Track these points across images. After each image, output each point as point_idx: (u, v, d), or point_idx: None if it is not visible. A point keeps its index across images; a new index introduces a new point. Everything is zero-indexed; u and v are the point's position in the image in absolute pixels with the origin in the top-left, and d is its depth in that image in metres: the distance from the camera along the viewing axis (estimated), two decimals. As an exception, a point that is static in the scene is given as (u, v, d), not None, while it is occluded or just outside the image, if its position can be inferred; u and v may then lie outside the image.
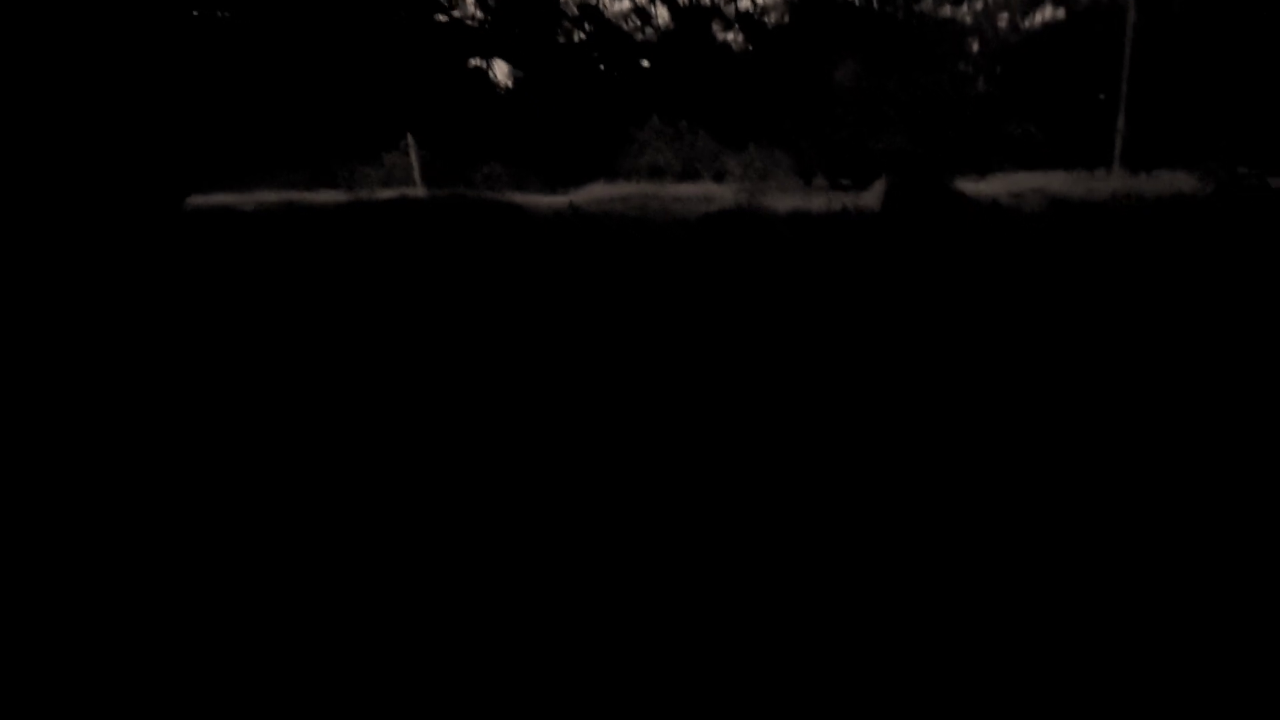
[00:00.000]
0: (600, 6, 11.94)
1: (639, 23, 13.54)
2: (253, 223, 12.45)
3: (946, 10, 31.82)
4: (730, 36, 16.60)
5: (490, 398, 3.37)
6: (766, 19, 16.23)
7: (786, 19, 15.92)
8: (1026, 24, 31.95)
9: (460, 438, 2.90)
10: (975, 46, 31.88)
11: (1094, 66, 26.57)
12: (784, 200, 15.70)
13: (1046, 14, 32.37)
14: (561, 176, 28.52)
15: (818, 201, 15.17)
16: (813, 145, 31.33)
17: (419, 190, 24.92)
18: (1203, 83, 24.37)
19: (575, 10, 12.24)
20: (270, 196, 25.00)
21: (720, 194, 20.14)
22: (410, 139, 27.23)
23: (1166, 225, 7.44)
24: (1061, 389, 3.17)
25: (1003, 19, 33.24)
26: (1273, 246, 6.29)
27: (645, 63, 14.15)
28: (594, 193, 23.97)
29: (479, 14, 12.18)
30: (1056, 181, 16.81)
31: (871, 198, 15.60)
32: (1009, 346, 3.87)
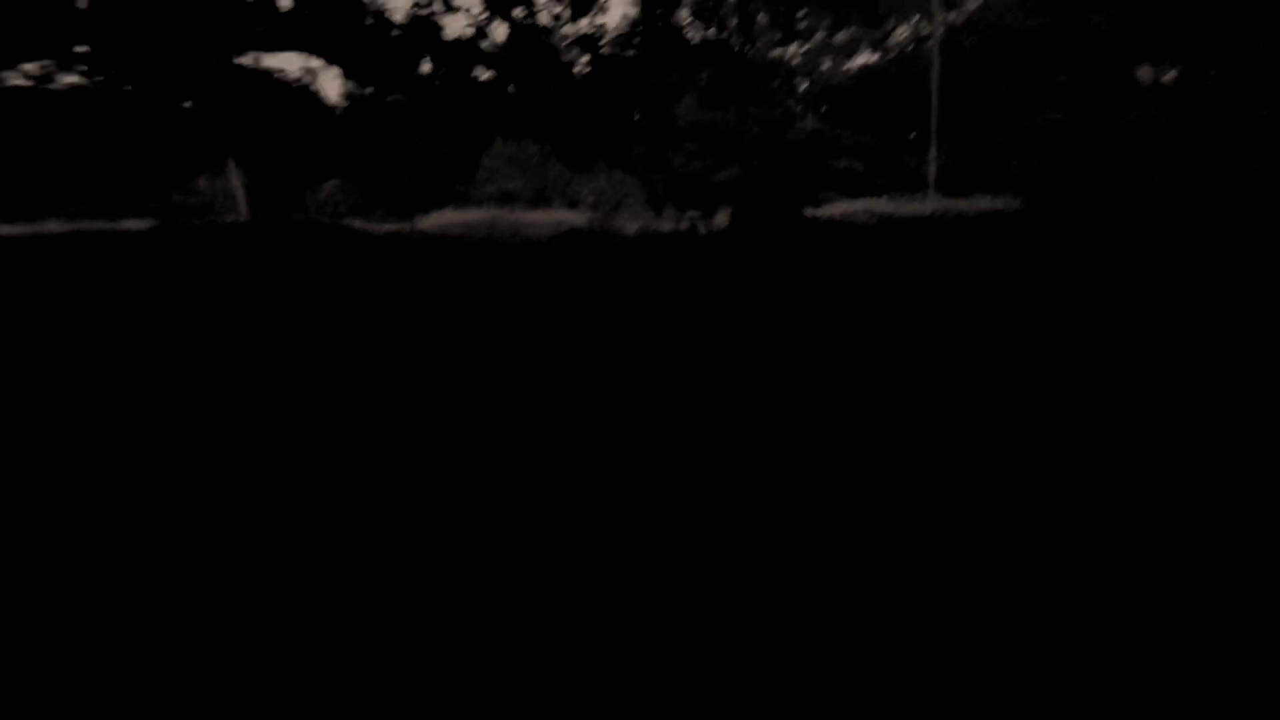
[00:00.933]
0: (432, 17, 11.12)
1: (477, 37, 12.81)
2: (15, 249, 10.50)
3: (777, 51, 34.02)
4: (574, 59, 16.42)
5: (297, 420, 2.67)
6: (609, 47, 16.23)
7: (629, 46, 16.03)
8: (846, 67, 34.83)
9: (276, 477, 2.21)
10: (804, 86, 34.27)
11: (908, 105, 29.34)
12: (635, 225, 15.72)
13: (863, 58, 35.51)
14: (408, 203, 27.09)
15: (668, 225, 15.29)
16: (663, 177, 32.17)
17: (243, 219, 22.58)
18: (998, 120, 27.61)
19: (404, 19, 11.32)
20: (58, 227, 21.67)
21: (573, 219, 19.88)
22: (232, 164, 24.74)
23: (988, 231, 8.00)
24: (911, 368, 2.99)
25: (826, 61, 36.07)
26: (1076, 244, 6.87)
27: (486, 78, 13.50)
28: (443, 219, 22.89)
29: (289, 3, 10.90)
30: (882, 206, 18.06)
31: (720, 221, 15.98)
32: (862, 332, 3.73)
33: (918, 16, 36.43)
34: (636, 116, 22.12)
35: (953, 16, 33.39)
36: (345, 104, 17.33)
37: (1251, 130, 28.11)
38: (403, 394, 3.00)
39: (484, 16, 11.02)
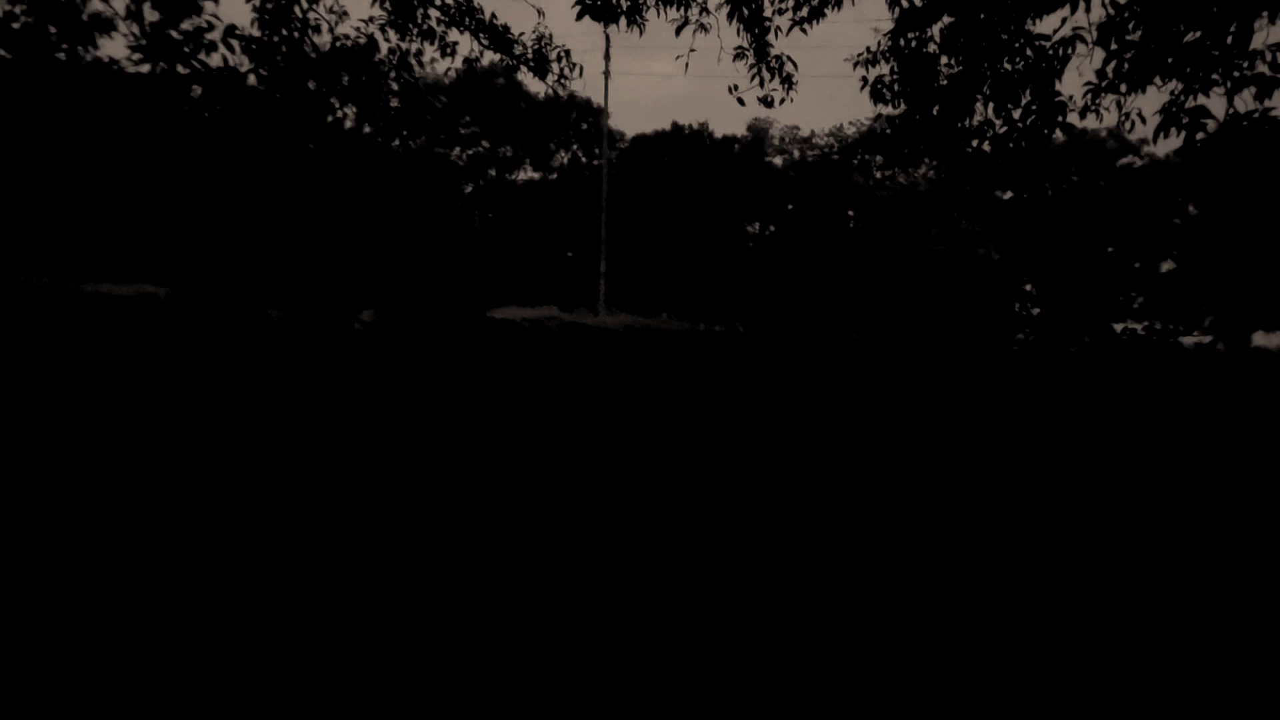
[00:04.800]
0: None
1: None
2: None
3: (441, 149, 32.62)
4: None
5: None
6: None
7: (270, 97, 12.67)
8: (512, 177, 34.99)
9: None
10: (470, 189, 33.24)
11: (576, 223, 30.04)
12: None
13: (527, 173, 36.12)
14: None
15: (274, 313, 11.92)
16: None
17: None
18: (650, 244, 29.75)
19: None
20: None
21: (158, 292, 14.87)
22: None
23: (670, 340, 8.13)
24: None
25: (491, 170, 35.79)
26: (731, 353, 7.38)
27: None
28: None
29: None
30: (562, 314, 16.91)
31: (367, 316, 13.12)
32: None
33: (576, 145, 38.68)
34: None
35: (611, 153, 36.01)
36: None
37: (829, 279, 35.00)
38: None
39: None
